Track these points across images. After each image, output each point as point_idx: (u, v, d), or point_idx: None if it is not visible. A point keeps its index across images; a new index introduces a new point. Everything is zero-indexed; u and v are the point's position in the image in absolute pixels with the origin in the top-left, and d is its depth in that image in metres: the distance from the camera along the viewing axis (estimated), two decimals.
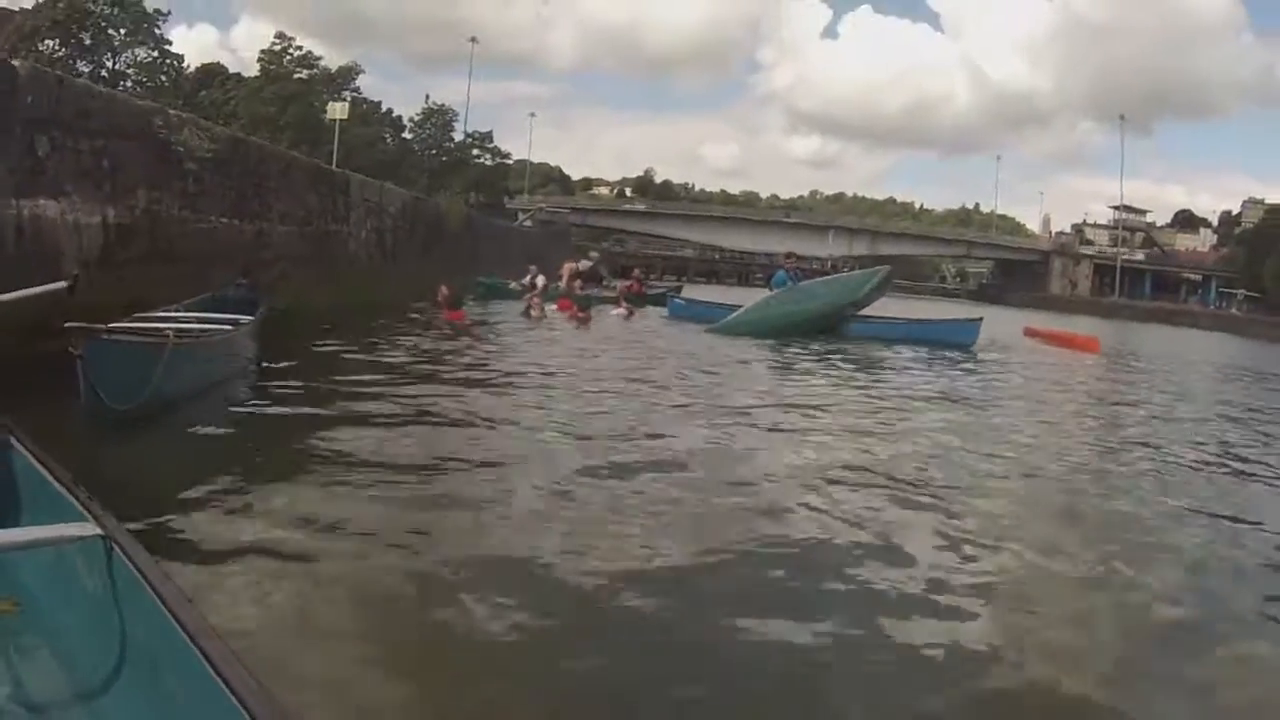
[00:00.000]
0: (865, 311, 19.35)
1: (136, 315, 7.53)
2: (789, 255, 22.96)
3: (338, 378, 8.65)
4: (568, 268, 25.26)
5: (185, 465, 5.31)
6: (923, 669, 3.41)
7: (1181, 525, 5.58)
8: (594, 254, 33.92)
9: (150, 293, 8.79)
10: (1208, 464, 7.84)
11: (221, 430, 6.33)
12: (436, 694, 3.01)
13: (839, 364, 13.55)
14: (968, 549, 4.75)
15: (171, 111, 11.02)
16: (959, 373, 14.50)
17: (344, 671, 3.03)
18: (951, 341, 18.79)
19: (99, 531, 2.42)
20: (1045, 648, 3.67)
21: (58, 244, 8.39)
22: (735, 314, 18.75)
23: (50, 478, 2.83)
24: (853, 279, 20.68)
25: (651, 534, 4.64)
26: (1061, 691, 3.30)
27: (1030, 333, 28.91)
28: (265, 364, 8.87)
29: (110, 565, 2.35)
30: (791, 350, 15.02)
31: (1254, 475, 7.60)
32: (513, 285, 22.91)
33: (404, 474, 5.44)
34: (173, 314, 8.13)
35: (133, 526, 2.67)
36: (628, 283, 26.69)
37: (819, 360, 13.84)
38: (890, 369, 14.06)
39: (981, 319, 20.16)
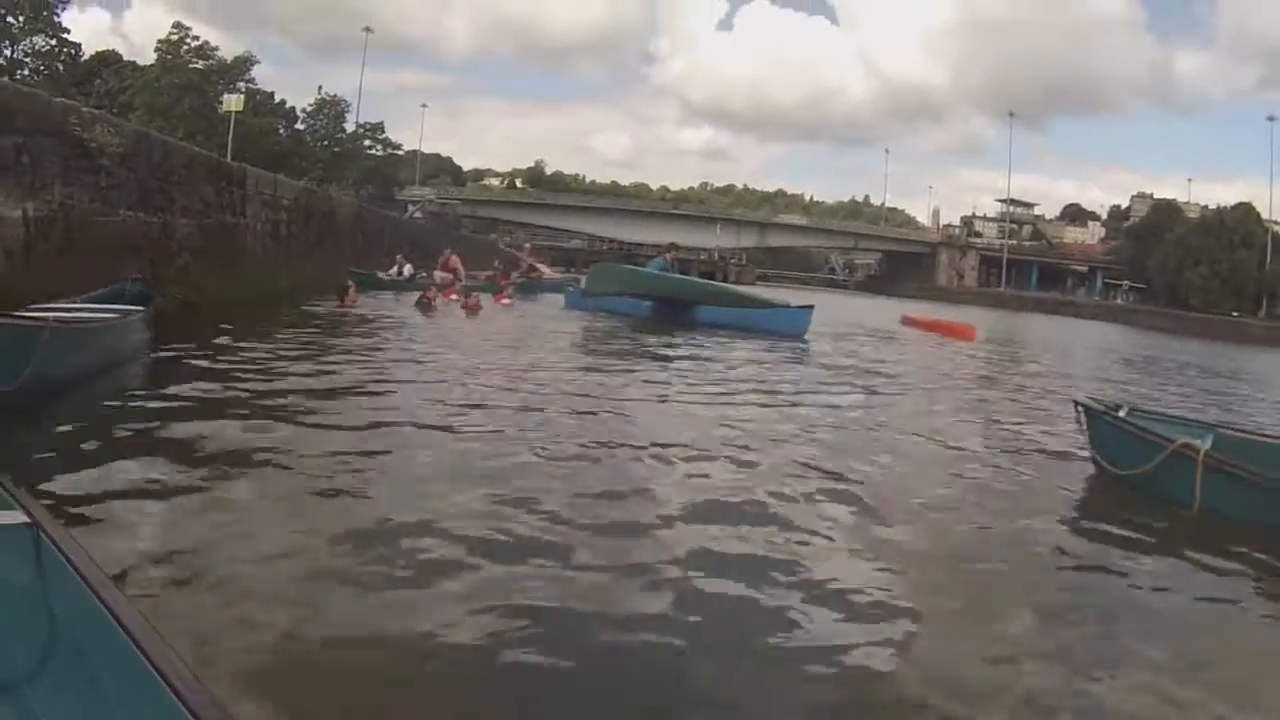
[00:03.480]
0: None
1: (33, 306, 7.65)
2: (671, 246, 24.37)
3: (234, 366, 8.80)
4: (454, 258, 25.97)
5: (76, 449, 5.30)
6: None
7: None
8: (527, 245, 34.49)
9: (65, 284, 9.09)
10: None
11: (111, 415, 6.33)
12: (347, 684, 3.04)
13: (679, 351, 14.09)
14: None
15: (84, 109, 11.52)
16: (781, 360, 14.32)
17: (263, 653, 3.09)
18: (781, 330, 18.62)
19: (26, 519, 2.42)
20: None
21: None
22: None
23: None
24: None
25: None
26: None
27: (908, 321, 30.02)
28: (159, 353, 9.05)
29: (38, 553, 2.36)
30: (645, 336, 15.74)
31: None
32: (381, 275, 23.70)
33: (298, 457, 5.52)
34: (70, 305, 8.25)
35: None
36: (489, 273, 27.36)
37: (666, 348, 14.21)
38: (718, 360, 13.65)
39: (813, 307, 19.69)
